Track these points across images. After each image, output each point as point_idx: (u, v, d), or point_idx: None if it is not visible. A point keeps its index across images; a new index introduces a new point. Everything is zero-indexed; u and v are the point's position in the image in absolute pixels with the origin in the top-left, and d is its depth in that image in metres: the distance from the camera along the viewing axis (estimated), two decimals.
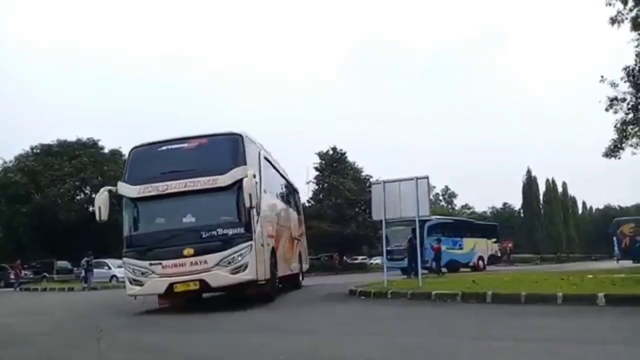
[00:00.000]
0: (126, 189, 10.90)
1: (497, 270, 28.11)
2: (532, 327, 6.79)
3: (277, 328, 8.07)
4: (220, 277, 10.18)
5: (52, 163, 43.11)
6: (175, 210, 10.83)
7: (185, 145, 11.11)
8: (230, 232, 10.38)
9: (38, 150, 45.38)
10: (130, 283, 10.61)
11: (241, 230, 10.44)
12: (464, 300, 9.96)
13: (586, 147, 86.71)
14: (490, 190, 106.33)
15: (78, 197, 45.75)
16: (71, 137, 45.80)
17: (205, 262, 10.12)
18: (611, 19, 17.05)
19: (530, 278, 13.73)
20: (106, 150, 46.61)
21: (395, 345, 5.84)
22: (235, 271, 10.20)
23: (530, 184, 76.65)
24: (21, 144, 66.31)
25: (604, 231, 51.32)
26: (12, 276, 30.00)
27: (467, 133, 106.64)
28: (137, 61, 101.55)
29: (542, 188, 77.27)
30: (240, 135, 11.11)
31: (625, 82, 18.00)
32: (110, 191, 11.04)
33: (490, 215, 78.54)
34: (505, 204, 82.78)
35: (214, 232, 10.36)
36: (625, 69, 17.78)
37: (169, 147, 11.12)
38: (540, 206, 76.78)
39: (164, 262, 10.18)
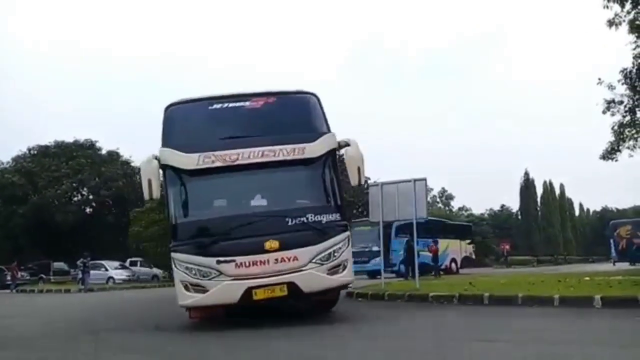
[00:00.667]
0: (178, 158, 7.90)
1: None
2: (530, 329, 6.80)
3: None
4: (315, 278, 7.65)
5: (49, 164, 43.10)
6: (248, 187, 8.35)
7: (247, 103, 8.58)
8: (324, 218, 7.92)
9: (35, 151, 45.42)
10: (186, 289, 7.56)
11: (336, 216, 8.06)
12: (461, 302, 9.97)
13: (584, 149, 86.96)
14: (487, 191, 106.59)
15: (75, 199, 45.76)
16: (68, 138, 45.86)
17: (296, 258, 7.58)
18: (609, 21, 17.07)
19: (527, 280, 13.74)
20: (104, 152, 46.66)
21: (393, 347, 5.84)
22: (333, 271, 7.80)
23: (527, 185, 76.69)
24: (18, 144, 66.20)
25: (601, 233, 51.44)
26: (8, 277, 29.87)
27: (465, 134, 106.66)
28: (137, 61, 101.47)
29: (539, 190, 77.41)
30: (316, 95, 8.82)
31: (622, 84, 18.02)
32: (156, 159, 8.09)
33: (487, 217, 78.67)
34: (502, 205, 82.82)
35: (304, 219, 7.84)
36: (622, 71, 17.81)
37: (225, 105, 8.54)
38: (538, 208, 76.87)
39: (239, 259, 7.46)
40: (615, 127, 18.75)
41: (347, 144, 8.33)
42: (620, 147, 18.96)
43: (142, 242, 33.34)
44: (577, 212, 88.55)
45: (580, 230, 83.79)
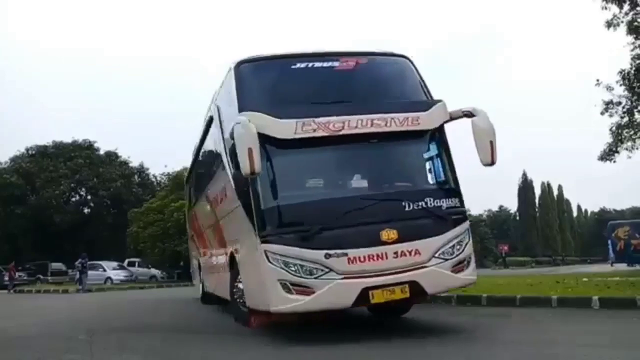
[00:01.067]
0: (271, 124, 6.26)
1: None
2: (528, 330, 6.79)
3: None
4: (440, 277, 6.31)
5: (47, 164, 43.13)
6: (353, 163, 6.93)
7: (336, 64, 7.22)
8: (444, 204, 6.57)
9: (33, 152, 45.47)
10: (286, 289, 5.98)
11: (456, 201, 6.72)
12: (459, 302, 9.94)
13: (582, 150, 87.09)
14: (486, 192, 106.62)
15: (73, 199, 45.84)
16: (67, 139, 45.91)
17: (417, 252, 6.20)
18: (607, 22, 17.15)
19: (526, 281, 13.74)
20: (102, 152, 46.72)
21: (389, 348, 5.84)
22: (458, 268, 6.44)
23: (526, 187, 76.83)
24: (16, 145, 66.07)
25: (599, 234, 51.51)
26: (6, 278, 29.85)
27: (464, 134, 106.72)
28: (136, 62, 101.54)
29: (537, 191, 77.58)
30: (410, 59, 7.56)
31: (620, 85, 18.08)
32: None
33: (486, 218, 78.84)
34: (501, 206, 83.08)
35: (422, 203, 6.45)
36: (620, 72, 17.86)
37: (311, 64, 7.14)
38: (536, 209, 77.03)
39: (352, 253, 6.03)
40: (614, 129, 18.81)
41: (471, 114, 6.84)
42: (619, 149, 19.02)
43: (140, 242, 33.40)
44: (575, 213, 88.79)
45: (578, 232, 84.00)
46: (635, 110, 18.47)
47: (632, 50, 17.56)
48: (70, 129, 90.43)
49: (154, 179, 47.65)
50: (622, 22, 17.00)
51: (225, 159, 7.66)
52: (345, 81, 7.25)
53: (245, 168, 5.89)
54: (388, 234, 6.11)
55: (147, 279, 34.36)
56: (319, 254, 5.96)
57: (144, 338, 7.72)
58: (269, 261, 6.04)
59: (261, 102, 6.66)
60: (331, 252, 5.98)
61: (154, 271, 36.32)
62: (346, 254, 5.99)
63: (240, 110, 6.54)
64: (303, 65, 7.08)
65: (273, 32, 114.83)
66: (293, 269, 5.97)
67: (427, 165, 7.05)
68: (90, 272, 27.07)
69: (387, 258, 6.08)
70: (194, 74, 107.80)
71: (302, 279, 5.96)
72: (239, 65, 7.05)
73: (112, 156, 46.63)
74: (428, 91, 7.32)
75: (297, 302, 5.94)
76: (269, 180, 6.32)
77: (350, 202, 6.35)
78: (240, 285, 7.58)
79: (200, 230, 12.31)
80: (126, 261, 36.73)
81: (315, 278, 5.95)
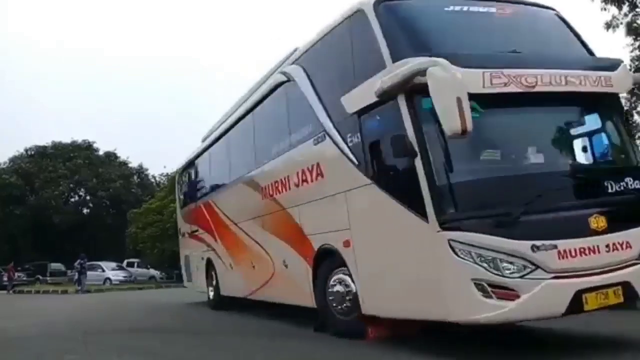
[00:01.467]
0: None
1: None
2: (526, 331, 6.80)
3: None
4: None
5: (46, 165, 43.15)
6: (545, 128, 5.55)
7: (493, 9, 5.92)
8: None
9: (33, 152, 45.47)
10: (483, 293, 4.56)
11: None
12: None
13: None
14: None
15: (72, 200, 45.86)
16: (66, 139, 45.92)
17: (628, 245, 4.92)
18: (606, 23, 17.16)
19: None
20: (101, 152, 46.74)
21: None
22: None
23: None
24: (16, 145, 66.01)
25: None
26: (5, 278, 29.85)
27: None
28: (135, 62, 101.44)
29: None
30: (559, 13, 6.45)
31: None
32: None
33: None
34: None
35: (623, 184, 5.23)
36: None
37: (467, 8, 5.87)
38: None
39: (561, 245, 4.68)
40: None
41: None
42: None
43: (139, 243, 33.37)
44: None
45: None
46: (634, 111, 18.50)
47: (632, 51, 17.59)
48: (69, 129, 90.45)
49: (153, 180, 47.66)
50: (621, 23, 17.01)
51: (330, 126, 6.40)
52: (510, 29, 5.97)
53: (453, 125, 4.47)
54: (597, 221, 4.83)
55: (146, 279, 34.31)
56: (525, 246, 4.61)
57: (144, 339, 7.73)
58: (456, 254, 4.63)
59: (424, 47, 5.18)
60: (539, 243, 4.62)
61: (152, 272, 36.24)
62: (556, 247, 4.66)
63: (396, 58, 5.15)
64: (458, 7, 5.83)
65: (273, 32, 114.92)
66: (493, 265, 4.59)
67: (618, 135, 5.73)
68: (89, 273, 27.07)
69: (599, 252, 4.79)
70: (194, 74, 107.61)
71: (504, 278, 4.56)
72: (378, 3, 5.63)
73: (111, 157, 46.64)
74: (592, 50, 6.19)
75: (499, 310, 4.52)
76: (447, 146, 4.87)
77: (553, 179, 5.16)
78: (339, 288, 6.29)
79: (222, 224, 10.65)
80: (125, 262, 36.67)
81: (521, 277, 4.58)
